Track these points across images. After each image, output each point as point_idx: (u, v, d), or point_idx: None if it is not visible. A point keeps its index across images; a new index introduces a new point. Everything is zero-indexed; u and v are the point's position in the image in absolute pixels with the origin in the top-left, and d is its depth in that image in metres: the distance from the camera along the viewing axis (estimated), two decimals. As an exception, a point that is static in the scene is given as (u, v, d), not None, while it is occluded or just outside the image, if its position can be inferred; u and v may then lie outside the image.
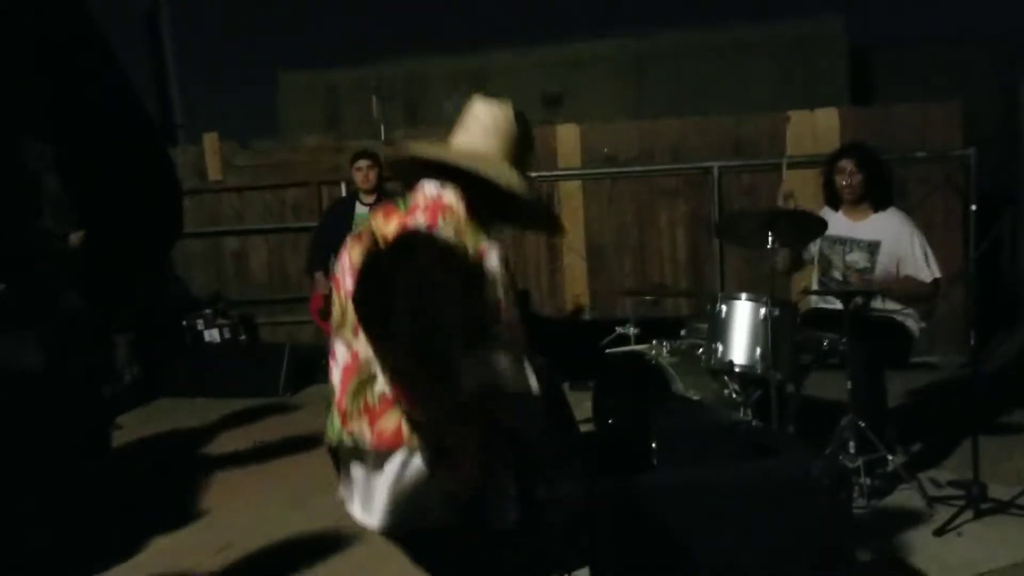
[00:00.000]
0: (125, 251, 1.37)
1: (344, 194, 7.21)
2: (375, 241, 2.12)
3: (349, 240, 2.21)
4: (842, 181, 4.41)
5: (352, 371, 2.06)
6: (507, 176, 2.13)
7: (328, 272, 5.40)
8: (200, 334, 7.41)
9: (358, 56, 11.86)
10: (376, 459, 2.04)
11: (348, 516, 2.44)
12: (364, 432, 2.01)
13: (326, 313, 5.31)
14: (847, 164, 4.41)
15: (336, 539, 3.91)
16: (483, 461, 2.04)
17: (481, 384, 1.97)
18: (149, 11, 10.62)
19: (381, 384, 2.01)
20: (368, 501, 2.11)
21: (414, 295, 2.01)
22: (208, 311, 7.49)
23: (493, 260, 2.01)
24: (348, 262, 2.16)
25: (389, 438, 1.99)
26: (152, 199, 1.36)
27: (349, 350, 2.09)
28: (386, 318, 2.01)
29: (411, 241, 2.07)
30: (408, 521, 2.08)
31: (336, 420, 2.08)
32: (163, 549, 3.72)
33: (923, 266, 4.25)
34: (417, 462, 2.00)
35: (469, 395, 1.97)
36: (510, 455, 2.09)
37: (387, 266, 2.09)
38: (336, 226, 5.43)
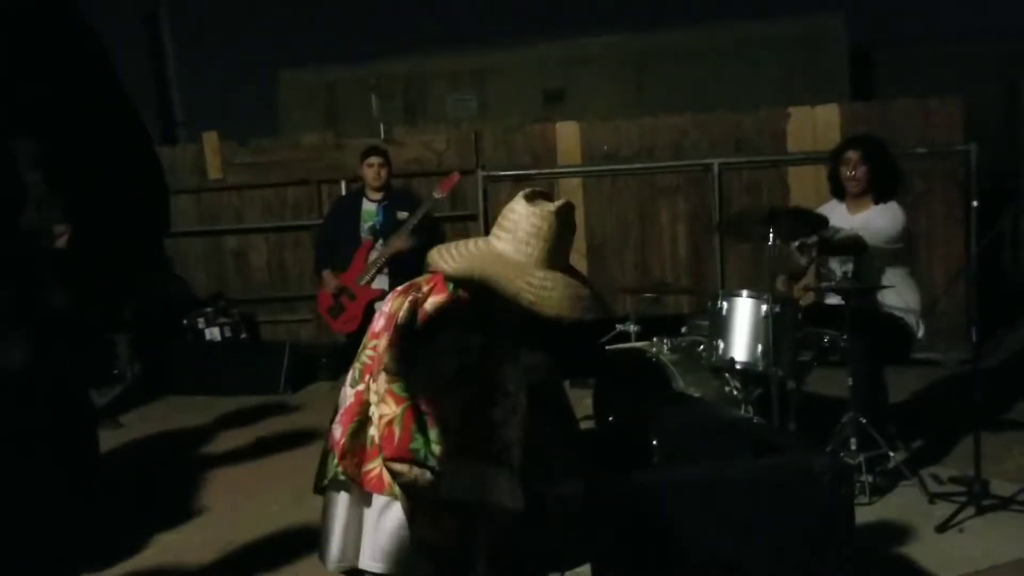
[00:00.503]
0: (112, 250, 1.36)
1: (344, 192, 7.20)
2: (416, 301, 2.17)
3: (394, 293, 2.25)
4: (847, 172, 4.37)
5: (354, 412, 2.15)
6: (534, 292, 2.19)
7: (335, 270, 5.36)
8: (201, 332, 7.40)
9: (358, 54, 11.87)
10: (363, 497, 2.14)
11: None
12: (357, 469, 2.10)
13: (335, 311, 5.31)
14: (853, 155, 4.36)
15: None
16: (465, 516, 2.08)
17: (465, 497, 2.03)
18: (149, 10, 10.61)
19: (375, 429, 2.10)
20: (349, 541, 2.18)
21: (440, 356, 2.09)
22: (209, 309, 7.48)
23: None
24: (386, 309, 2.22)
25: (374, 481, 2.08)
26: (139, 197, 1.35)
27: (354, 391, 2.20)
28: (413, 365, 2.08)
29: (452, 314, 2.14)
30: (389, 567, 2.12)
31: (333, 459, 2.15)
32: (166, 546, 3.72)
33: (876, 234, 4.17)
34: (397, 509, 2.07)
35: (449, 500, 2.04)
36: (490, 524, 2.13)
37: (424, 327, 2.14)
38: (341, 224, 5.40)
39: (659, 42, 11.80)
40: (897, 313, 4.27)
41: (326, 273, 5.34)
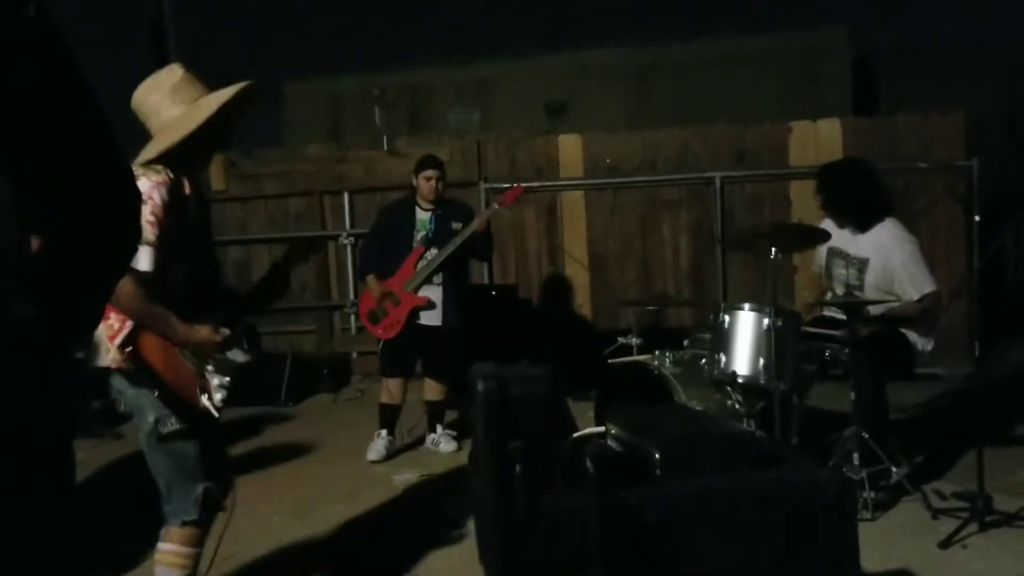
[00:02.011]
0: (83, 258, 1.34)
1: (399, 197, 7.13)
2: None
3: None
4: (816, 200, 4.51)
5: None
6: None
7: (381, 276, 5.27)
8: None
9: (362, 66, 11.91)
10: None
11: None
12: None
13: (377, 316, 5.28)
14: (816, 185, 4.50)
15: (338, 549, 3.90)
16: None
17: None
18: (154, 21, 10.64)
19: None
20: None
21: None
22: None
23: None
24: None
25: None
26: (109, 205, 1.34)
27: None
28: None
29: None
30: None
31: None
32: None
33: (908, 287, 4.20)
34: None
35: None
36: None
37: None
38: (394, 231, 5.32)
39: (662, 55, 11.84)
40: (900, 328, 4.27)
41: (371, 278, 5.27)
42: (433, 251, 5.16)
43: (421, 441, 5.44)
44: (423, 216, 5.26)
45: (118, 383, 2.61)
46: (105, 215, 1.32)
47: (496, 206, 5.48)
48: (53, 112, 1.24)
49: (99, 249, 1.34)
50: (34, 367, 1.22)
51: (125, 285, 2.34)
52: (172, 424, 2.61)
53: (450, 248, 5.09)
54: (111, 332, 2.50)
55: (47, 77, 1.23)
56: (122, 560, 3.64)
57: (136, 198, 1.40)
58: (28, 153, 1.21)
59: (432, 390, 5.35)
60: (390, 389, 5.28)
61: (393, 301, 5.17)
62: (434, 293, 5.19)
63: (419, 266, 5.17)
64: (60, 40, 1.24)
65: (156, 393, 2.56)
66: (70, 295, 1.32)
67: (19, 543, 1.16)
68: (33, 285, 1.24)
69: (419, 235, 5.23)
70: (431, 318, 5.19)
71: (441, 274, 5.19)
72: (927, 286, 4.21)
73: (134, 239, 1.44)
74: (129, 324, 2.49)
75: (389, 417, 5.28)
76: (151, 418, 2.60)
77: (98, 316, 1.40)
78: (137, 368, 2.54)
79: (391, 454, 5.22)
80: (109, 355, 2.53)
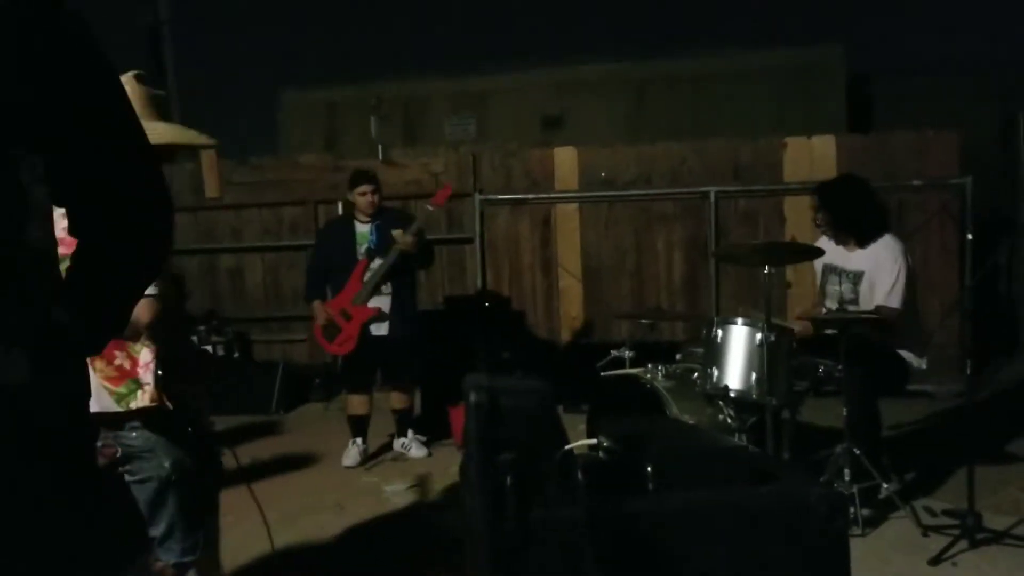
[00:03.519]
0: (115, 265, 1.35)
1: (340, 213, 7.19)
2: None
3: None
4: (814, 216, 4.51)
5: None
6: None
7: (325, 300, 5.35)
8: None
9: (358, 75, 11.94)
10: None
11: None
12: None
13: (331, 334, 5.30)
14: (815, 202, 4.50)
15: (326, 559, 3.88)
16: None
17: None
18: (151, 28, 10.66)
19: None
20: None
21: None
22: (203, 328, 7.46)
23: None
24: None
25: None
26: (143, 213, 1.35)
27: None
28: None
29: None
30: None
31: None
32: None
33: (884, 292, 4.20)
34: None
35: None
36: None
37: None
38: (334, 250, 5.38)
39: (657, 70, 11.89)
40: (894, 345, 4.28)
41: (316, 304, 5.33)
42: (378, 261, 5.20)
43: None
44: (363, 229, 5.31)
45: (130, 428, 2.57)
46: (138, 223, 1.33)
47: (429, 207, 5.52)
48: (91, 121, 1.24)
49: (131, 256, 1.35)
50: (68, 372, 1.22)
51: (147, 304, 2.34)
52: (187, 465, 2.60)
53: (392, 256, 5.13)
54: (144, 366, 2.48)
55: (87, 81, 1.23)
56: (108, 570, 3.60)
57: (169, 207, 1.40)
58: (66, 164, 1.22)
59: (396, 399, 5.50)
60: (354, 402, 5.44)
61: (345, 316, 5.22)
62: (384, 303, 5.24)
63: (365, 278, 5.21)
64: (96, 43, 1.25)
65: (176, 432, 2.55)
66: (104, 300, 1.33)
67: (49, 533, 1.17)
68: (68, 291, 1.25)
69: (362, 248, 5.28)
70: (381, 328, 5.27)
71: (389, 283, 5.23)
72: (893, 302, 4.18)
73: (166, 247, 1.45)
74: (154, 354, 2.47)
75: (359, 426, 5.44)
76: (167, 463, 2.58)
77: (124, 323, 1.40)
78: (165, 402, 2.51)
79: (365, 460, 5.38)
80: (145, 395, 2.51)
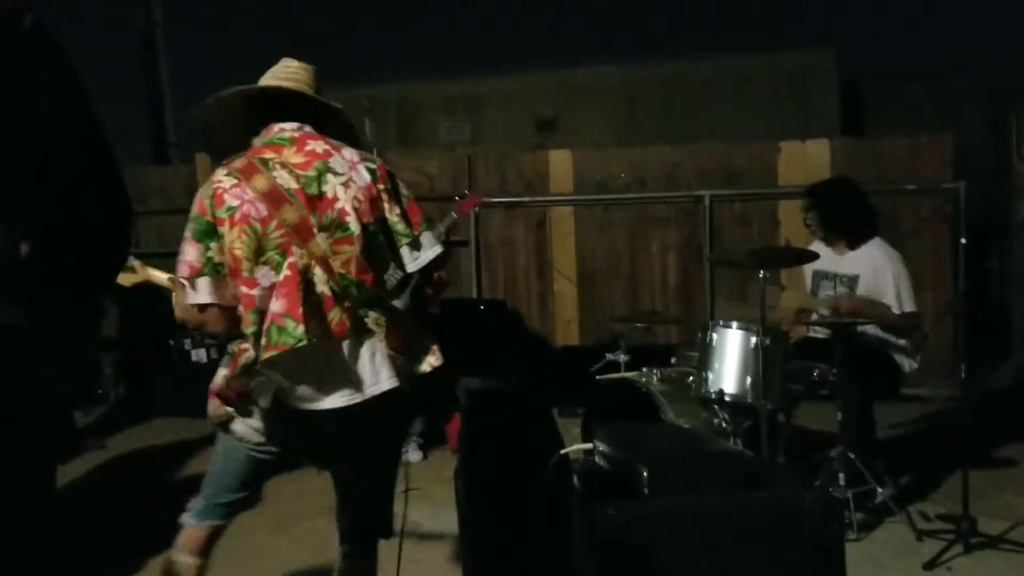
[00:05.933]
0: (72, 266, 1.34)
1: None
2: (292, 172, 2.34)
3: (237, 172, 2.33)
4: (804, 218, 4.57)
5: (295, 281, 2.21)
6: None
7: None
8: (187, 353, 7.34)
9: (352, 77, 11.90)
10: (335, 346, 2.26)
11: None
12: (321, 326, 2.21)
13: None
14: (805, 203, 4.56)
15: (321, 563, 3.86)
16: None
17: None
18: (144, 30, 10.62)
19: (320, 285, 2.23)
20: (341, 381, 2.28)
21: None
22: (195, 331, 7.43)
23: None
24: (249, 192, 2.27)
25: (339, 326, 2.23)
26: (101, 214, 1.34)
27: (281, 269, 2.24)
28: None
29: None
30: (381, 384, 2.29)
31: (295, 327, 2.18)
32: (150, 573, 3.66)
33: (893, 299, 4.24)
34: (367, 343, 2.29)
35: None
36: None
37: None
38: None
39: (652, 73, 11.90)
40: (887, 350, 4.29)
41: None
42: None
43: None
44: None
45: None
46: (97, 224, 1.32)
47: (454, 215, 5.50)
48: (49, 122, 1.23)
49: (89, 257, 1.34)
50: (18, 371, 1.21)
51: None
52: None
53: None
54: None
55: (43, 88, 1.22)
56: (102, 571, 3.59)
57: (128, 209, 1.39)
58: (23, 162, 1.21)
59: None
60: None
61: None
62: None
63: None
64: (59, 51, 1.24)
65: None
66: (59, 302, 1.32)
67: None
68: (22, 291, 1.23)
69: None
70: None
71: None
72: (910, 306, 4.25)
73: (122, 251, 1.43)
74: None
75: None
76: None
77: (84, 324, 1.39)
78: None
79: None
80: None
